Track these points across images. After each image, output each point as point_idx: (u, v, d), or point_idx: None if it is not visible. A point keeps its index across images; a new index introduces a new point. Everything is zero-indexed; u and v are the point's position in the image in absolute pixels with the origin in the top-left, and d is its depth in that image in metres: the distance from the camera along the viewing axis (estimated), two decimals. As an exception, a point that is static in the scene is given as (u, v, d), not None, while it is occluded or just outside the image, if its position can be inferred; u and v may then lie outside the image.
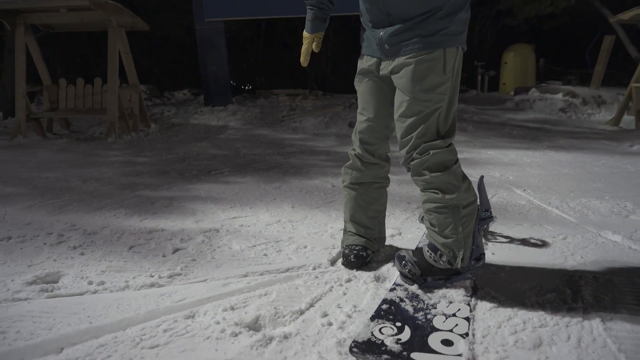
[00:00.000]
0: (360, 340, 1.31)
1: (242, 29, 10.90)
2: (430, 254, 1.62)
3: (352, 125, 6.28)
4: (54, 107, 5.90)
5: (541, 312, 1.44)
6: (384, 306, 1.50)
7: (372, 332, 1.35)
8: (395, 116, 1.64)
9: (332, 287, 1.64)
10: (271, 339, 1.33)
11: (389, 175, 1.92)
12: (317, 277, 1.71)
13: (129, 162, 4.08)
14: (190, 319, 1.44)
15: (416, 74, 1.52)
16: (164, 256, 1.93)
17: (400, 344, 1.29)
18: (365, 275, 1.72)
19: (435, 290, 1.60)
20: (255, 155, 4.44)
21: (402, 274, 1.66)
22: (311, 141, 5.37)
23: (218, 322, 1.41)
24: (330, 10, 1.79)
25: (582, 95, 7.92)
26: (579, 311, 1.45)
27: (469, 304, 1.50)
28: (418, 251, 1.67)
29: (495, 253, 1.94)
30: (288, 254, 1.94)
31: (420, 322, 1.41)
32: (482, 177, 1.90)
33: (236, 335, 1.35)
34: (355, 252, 1.83)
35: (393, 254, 1.85)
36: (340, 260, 1.86)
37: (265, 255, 1.94)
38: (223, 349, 1.29)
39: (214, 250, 2.00)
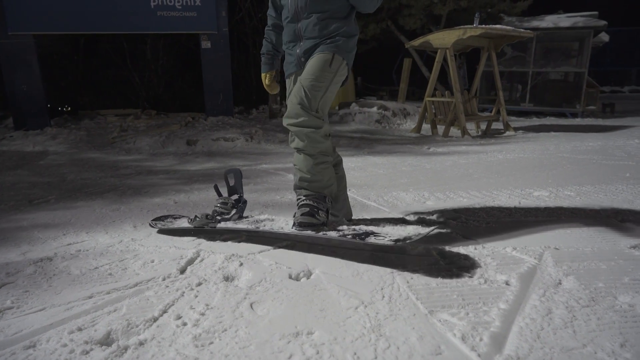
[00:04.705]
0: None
1: (58, 44, 9.81)
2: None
3: (189, 143, 6.25)
4: None
5: (359, 278, 1.77)
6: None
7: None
8: (294, 90, 2.17)
9: (184, 292, 1.72)
10: (126, 348, 1.36)
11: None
12: (167, 286, 1.77)
13: None
14: (31, 349, 1.38)
15: (314, 62, 2.13)
16: (-13, 293, 1.75)
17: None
18: (215, 277, 1.85)
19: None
20: (86, 179, 4.12)
21: None
22: (148, 161, 5.19)
23: (65, 345, 1.38)
24: (278, 55, 2.49)
25: (392, 108, 9.29)
26: (390, 276, 1.82)
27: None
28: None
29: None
30: (135, 270, 1.94)
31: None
32: (239, 169, 2.54)
33: (87, 352, 1.35)
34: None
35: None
36: (189, 268, 1.95)
37: (110, 274, 1.90)
38: (74, 367, 1.28)
39: (50, 278, 1.88)
